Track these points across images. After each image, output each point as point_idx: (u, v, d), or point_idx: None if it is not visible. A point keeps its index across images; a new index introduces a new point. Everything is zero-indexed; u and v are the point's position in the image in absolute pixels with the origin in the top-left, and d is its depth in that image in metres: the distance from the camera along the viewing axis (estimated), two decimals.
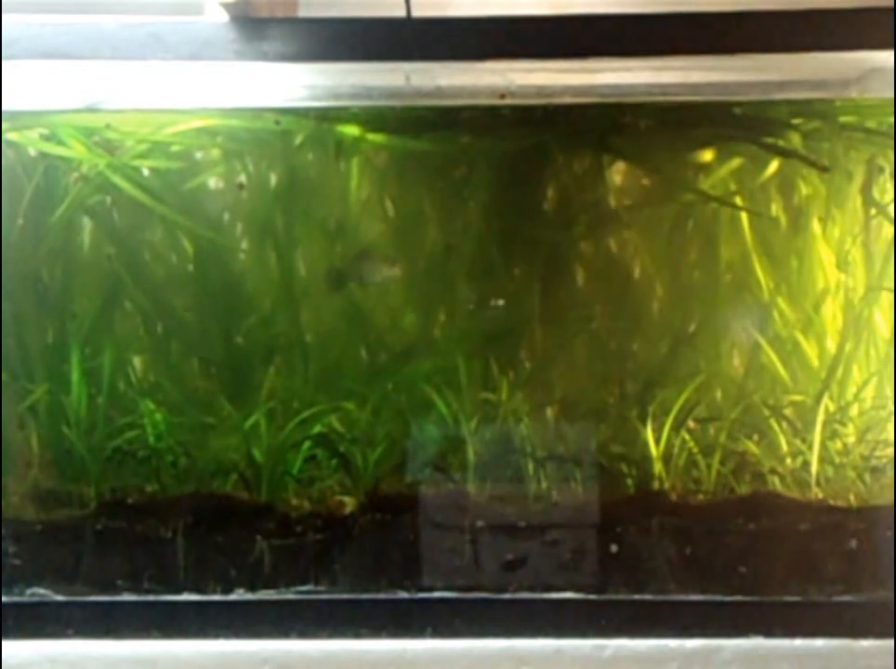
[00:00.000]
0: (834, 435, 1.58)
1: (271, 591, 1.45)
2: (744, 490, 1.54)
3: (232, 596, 1.45)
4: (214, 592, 1.45)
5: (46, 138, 1.58)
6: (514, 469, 1.55)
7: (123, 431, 1.60)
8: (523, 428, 1.59)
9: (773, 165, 1.65)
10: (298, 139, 1.64)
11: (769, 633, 1.38)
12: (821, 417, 1.56)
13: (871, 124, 1.59)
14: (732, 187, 1.69)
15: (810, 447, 1.55)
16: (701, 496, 1.54)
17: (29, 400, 1.60)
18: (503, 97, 1.40)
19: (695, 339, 1.69)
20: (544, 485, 1.54)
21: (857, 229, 1.65)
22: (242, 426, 1.58)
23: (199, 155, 1.69)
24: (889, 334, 1.62)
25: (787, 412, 1.61)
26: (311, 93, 1.44)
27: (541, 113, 1.52)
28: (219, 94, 1.45)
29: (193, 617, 1.42)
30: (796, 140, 1.60)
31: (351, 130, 1.60)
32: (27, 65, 1.40)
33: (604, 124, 1.60)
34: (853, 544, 1.45)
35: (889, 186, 1.64)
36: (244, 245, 1.72)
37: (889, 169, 1.63)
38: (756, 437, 1.59)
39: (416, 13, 1.45)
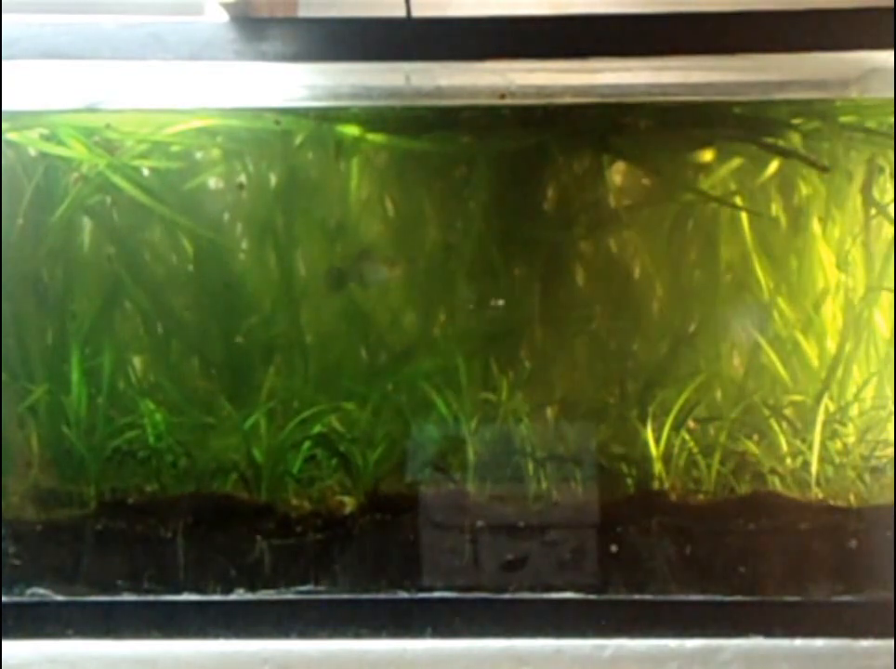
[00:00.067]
0: (834, 435, 1.58)
1: (271, 591, 1.45)
2: (744, 490, 1.54)
3: (232, 596, 1.45)
4: (214, 592, 1.45)
5: (46, 138, 1.58)
6: (514, 469, 1.55)
7: (123, 431, 1.60)
8: (523, 428, 1.59)
9: (773, 165, 1.65)
10: (298, 139, 1.64)
11: (769, 633, 1.38)
12: (821, 417, 1.56)
13: (871, 124, 1.59)
14: (732, 187, 1.69)
15: (810, 447, 1.55)
16: (701, 496, 1.54)
17: (29, 400, 1.60)
18: (503, 97, 1.40)
19: (695, 339, 1.69)
20: (544, 485, 1.54)
21: (857, 229, 1.65)
22: (242, 426, 1.58)
23: (199, 155, 1.69)
24: (889, 334, 1.62)
25: (787, 412, 1.61)
26: (311, 93, 1.44)
27: (541, 113, 1.52)
28: (219, 94, 1.45)
29: (193, 617, 1.42)
30: (796, 140, 1.60)
31: (351, 130, 1.60)
32: (27, 65, 1.40)
33: (604, 124, 1.60)
34: (853, 544, 1.45)
35: (889, 186, 1.64)
36: (244, 245, 1.71)
37: (889, 169, 1.63)
38: (756, 437, 1.59)
39: (416, 13, 1.45)
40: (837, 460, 1.56)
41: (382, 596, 1.45)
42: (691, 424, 1.58)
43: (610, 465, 1.58)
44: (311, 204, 1.68)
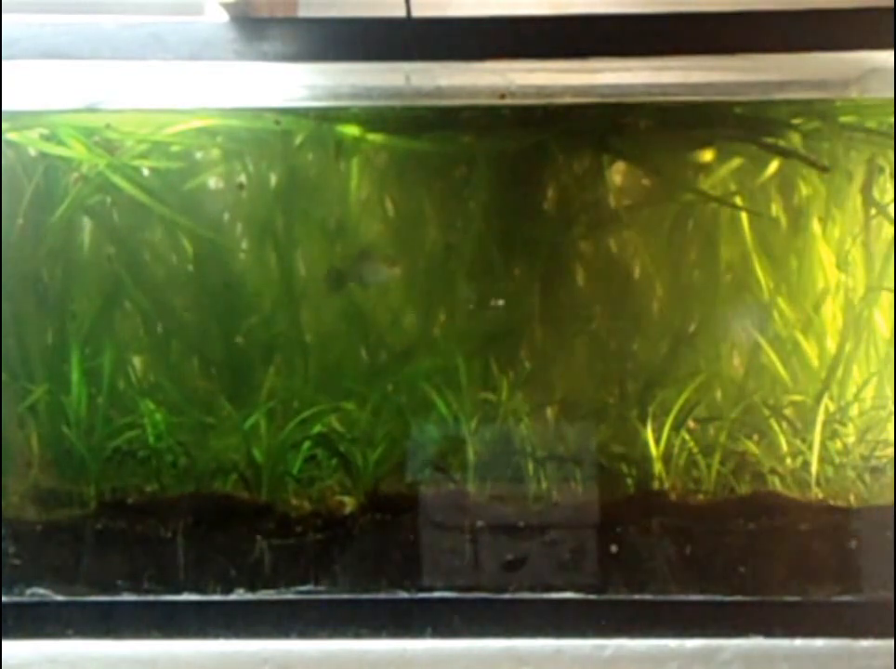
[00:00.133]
0: (834, 435, 1.58)
1: (271, 591, 1.45)
2: (744, 490, 1.54)
3: (232, 596, 1.45)
4: (214, 592, 1.45)
5: (46, 138, 1.58)
6: (514, 469, 1.55)
7: (123, 431, 1.60)
8: (523, 428, 1.59)
9: (773, 165, 1.65)
10: (298, 139, 1.64)
11: (769, 633, 1.38)
12: (821, 417, 1.56)
13: (871, 124, 1.59)
14: (732, 187, 1.69)
15: (810, 447, 1.55)
16: (701, 496, 1.54)
17: (29, 400, 1.60)
18: (503, 97, 1.40)
19: (695, 339, 1.69)
20: (544, 485, 1.54)
21: (857, 229, 1.65)
22: (242, 426, 1.58)
23: (199, 155, 1.69)
24: (889, 334, 1.62)
25: (787, 412, 1.61)
26: (311, 93, 1.44)
27: (541, 113, 1.52)
28: (219, 94, 1.45)
29: (193, 617, 1.42)
30: (796, 140, 1.60)
31: (351, 130, 1.60)
32: (27, 65, 1.40)
33: (604, 124, 1.60)
34: (853, 544, 1.45)
35: (889, 186, 1.64)
36: (244, 245, 1.71)
37: (889, 169, 1.63)
38: (756, 437, 1.59)
39: (416, 13, 1.45)
40: (837, 460, 1.56)
41: (382, 596, 1.45)
42: (691, 424, 1.58)
43: (610, 465, 1.58)
44: (311, 204, 1.68)
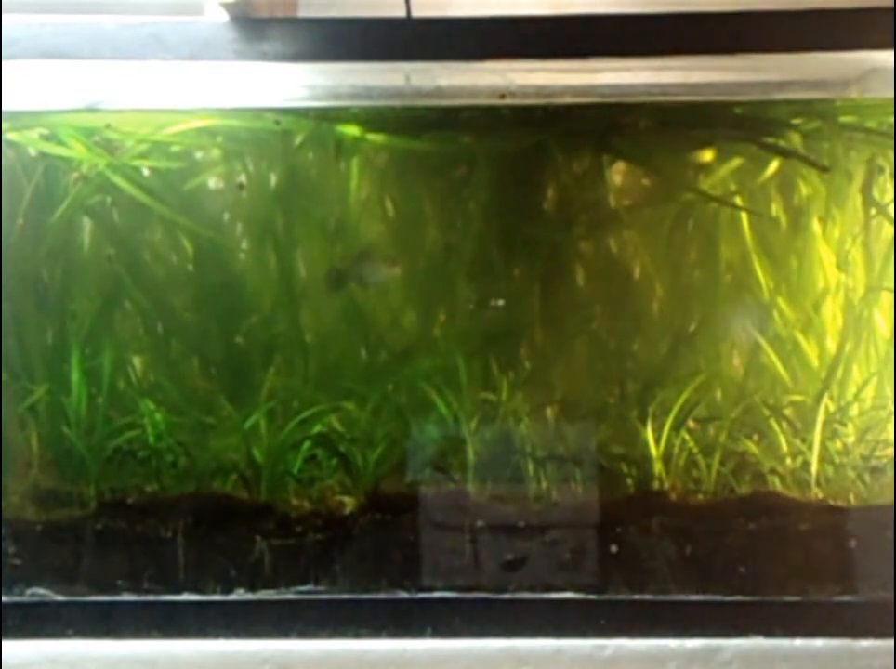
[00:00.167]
0: (834, 435, 1.58)
1: (271, 591, 1.45)
2: (744, 490, 1.54)
3: (232, 596, 1.45)
4: (214, 592, 1.45)
5: (46, 138, 1.58)
6: (514, 469, 1.55)
7: (123, 431, 1.60)
8: (523, 428, 1.59)
9: (773, 165, 1.65)
10: (298, 139, 1.64)
11: (769, 633, 1.38)
12: (821, 417, 1.56)
13: (871, 124, 1.59)
14: (732, 187, 1.69)
15: (810, 447, 1.55)
16: (701, 496, 1.54)
17: (29, 400, 1.60)
18: (503, 97, 1.40)
19: (695, 339, 1.69)
20: (544, 485, 1.54)
21: (857, 229, 1.65)
22: (242, 426, 1.58)
23: (199, 155, 1.69)
24: (889, 334, 1.62)
25: (787, 412, 1.61)
26: (311, 93, 1.44)
27: (541, 113, 1.52)
28: (219, 94, 1.45)
29: (193, 617, 1.42)
30: (796, 140, 1.60)
31: (351, 130, 1.60)
32: (27, 65, 1.40)
33: (604, 124, 1.60)
34: (853, 544, 1.45)
35: (889, 186, 1.64)
36: (244, 245, 1.72)
37: (889, 169, 1.63)
38: (756, 437, 1.59)
39: (416, 13, 1.45)
40: (837, 460, 1.56)
41: (382, 596, 1.45)
42: (691, 424, 1.58)
43: (610, 465, 1.58)
44: (311, 204, 1.68)
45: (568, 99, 1.42)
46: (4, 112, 1.44)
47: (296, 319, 1.69)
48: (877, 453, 1.56)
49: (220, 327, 1.68)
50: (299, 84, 1.44)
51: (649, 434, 1.56)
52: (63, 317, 1.64)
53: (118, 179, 1.59)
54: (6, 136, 1.55)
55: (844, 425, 1.59)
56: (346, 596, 1.44)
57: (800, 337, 1.66)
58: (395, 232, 1.72)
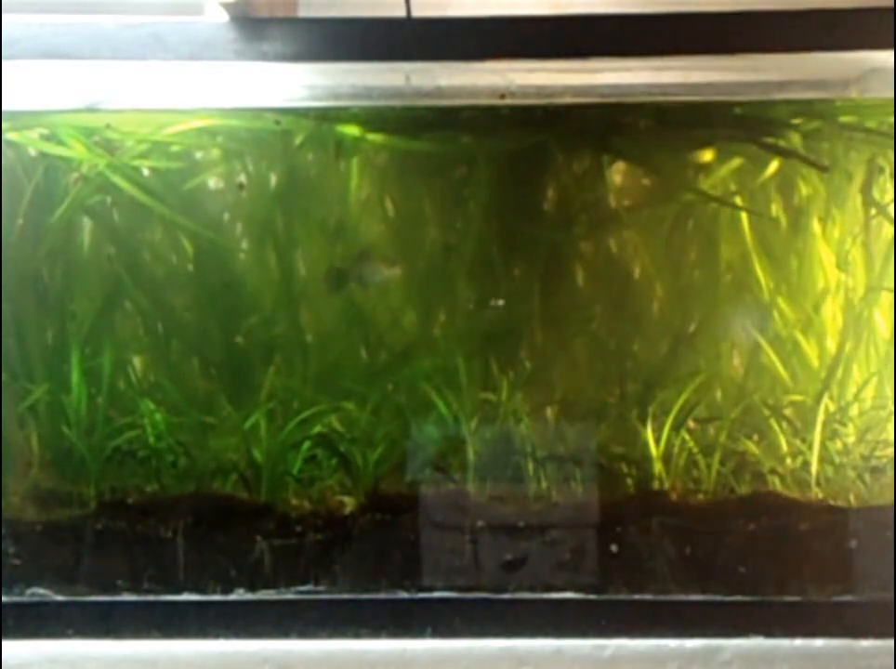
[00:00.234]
0: (834, 435, 1.58)
1: (271, 591, 1.45)
2: (744, 490, 1.54)
3: (232, 597, 1.45)
4: (214, 592, 1.45)
5: (46, 138, 1.58)
6: (514, 469, 1.55)
7: (123, 431, 1.60)
8: (523, 428, 1.59)
9: (773, 165, 1.65)
10: (298, 139, 1.64)
11: (769, 633, 1.38)
12: (821, 417, 1.56)
13: (871, 124, 1.59)
14: (732, 187, 1.69)
15: (810, 447, 1.55)
16: (701, 496, 1.54)
17: (29, 400, 1.60)
18: (503, 97, 1.40)
19: (695, 339, 1.69)
20: (544, 485, 1.54)
21: (857, 229, 1.65)
22: (242, 426, 1.58)
23: (199, 155, 1.69)
24: (889, 334, 1.62)
25: (787, 412, 1.61)
26: (311, 93, 1.44)
27: (541, 113, 1.52)
28: (219, 94, 1.45)
29: (193, 617, 1.42)
30: (796, 140, 1.60)
31: (351, 130, 1.60)
32: (27, 65, 1.40)
33: (604, 124, 1.60)
34: (853, 544, 1.45)
35: (889, 186, 1.64)
36: (244, 245, 1.72)
37: (889, 169, 1.63)
38: (756, 437, 1.59)
39: (416, 13, 1.45)
40: (837, 460, 1.56)
41: (382, 596, 1.45)
42: (691, 424, 1.58)
43: (610, 465, 1.58)
44: (311, 204, 1.68)
45: (568, 99, 1.42)
46: (4, 112, 1.44)
47: (296, 319, 1.69)
48: (877, 453, 1.56)
49: (220, 327, 1.68)
50: (299, 84, 1.44)
51: (649, 434, 1.56)
52: (63, 317, 1.64)
53: (118, 179, 1.59)
54: (6, 136, 1.55)
55: (844, 425, 1.59)
56: (346, 596, 1.44)
57: (800, 337, 1.66)
58: (395, 232, 1.72)
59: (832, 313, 1.66)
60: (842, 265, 1.64)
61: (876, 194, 1.65)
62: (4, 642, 1.38)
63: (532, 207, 1.71)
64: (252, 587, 1.45)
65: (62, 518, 1.51)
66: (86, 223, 1.67)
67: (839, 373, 1.62)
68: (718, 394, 1.66)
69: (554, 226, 1.72)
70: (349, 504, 1.53)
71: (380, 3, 1.50)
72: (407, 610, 1.42)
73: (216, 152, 1.69)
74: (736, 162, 1.66)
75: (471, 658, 1.38)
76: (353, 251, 1.67)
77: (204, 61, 1.39)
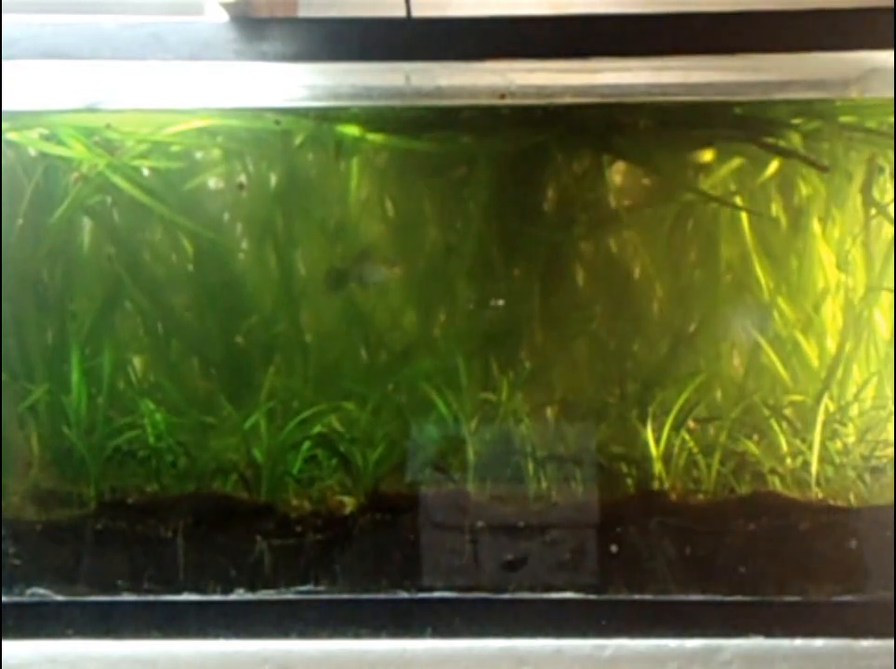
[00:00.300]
0: (834, 435, 1.58)
1: (271, 591, 1.45)
2: (744, 490, 1.54)
3: (232, 597, 1.45)
4: (214, 592, 1.45)
5: (46, 138, 1.58)
6: (514, 469, 1.55)
7: (123, 431, 1.60)
8: (523, 428, 1.59)
9: (773, 165, 1.65)
10: (298, 139, 1.64)
11: (769, 633, 1.38)
12: (821, 417, 1.56)
13: (871, 124, 1.59)
14: (732, 187, 1.69)
15: (810, 447, 1.55)
16: (701, 496, 1.54)
17: (29, 400, 1.60)
18: (503, 97, 1.40)
19: (695, 339, 1.69)
20: (544, 485, 1.54)
21: (857, 229, 1.65)
22: (242, 426, 1.58)
23: (199, 155, 1.69)
24: (889, 334, 1.62)
25: (787, 412, 1.61)
26: (311, 93, 1.44)
27: (541, 113, 1.52)
28: (219, 94, 1.45)
29: (193, 617, 1.42)
30: (796, 140, 1.60)
31: (351, 130, 1.60)
32: (27, 65, 1.40)
33: (604, 124, 1.60)
34: (853, 544, 1.45)
35: (889, 186, 1.64)
36: (244, 245, 1.72)
37: (889, 169, 1.63)
38: (756, 437, 1.59)
39: (416, 13, 1.45)
40: (837, 460, 1.56)
41: (382, 596, 1.45)
42: (691, 424, 1.58)
43: (610, 466, 1.58)
44: (311, 205, 1.68)
45: (568, 99, 1.42)
46: (4, 112, 1.44)
47: (296, 319, 1.69)
48: (877, 453, 1.56)
49: (220, 327, 1.68)
50: (299, 84, 1.44)
51: (649, 434, 1.56)
52: (63, 317, 1.64)
53: (118, 179, 1.59)
54: (6, 136, 1.55)
55: (844, 425, 1.59)
56: (346, 596, 1.44)
57: (800, 337, 1.66)
58: (395, 232, 1.72)
59: (832, 313, 1.66)
60: (842, 265, 1.64)
61: (876, 194, 1.65)
62: (4, 642, 1.38)
63: (532, 207, 1.71)
64: (252, 587, 1.45)
65: (62, 518, 1.51)
66: (86, 223, 1.67)
67: (839, 373, 1.62)
68: (718, 394, 1.66)
69: (554, 226, 1.72)
70: (349, 504, 1.53)
71: (380, 3, 1.50)
72: (407, 610, 1.42)
73: (216, 152, 1.69)
74: (736, 162, 1.66)
75: (471, 658, 1.38)
76: (353, 251, 1.67)
77: (204, 61, 1.39)
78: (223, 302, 1.68)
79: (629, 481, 1.57)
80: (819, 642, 1.36)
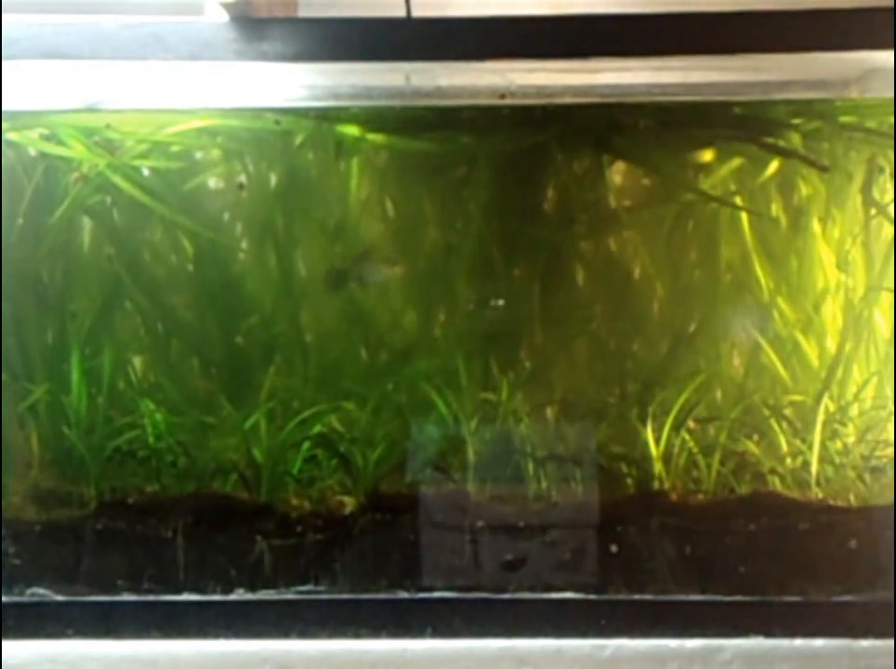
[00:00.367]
0: (834, 435, 1.58)
1: (271, 591, 1.45)
2: (744, 490, 1.54)
3: (232, 597, 1.45)
4: (214, 592, 1.45)
5: (46, 138, 1.58)
6: (514, 469, 1.55)
7: (123, 431, 1.60)
8: (523, 428, 1.59)
9: (773, 165, 1.65)
10: (298, 139, 1.64)
11: (769, 633, 1.38)
12: (821, 417, 1.56)
13: (871, 124, 1.59)
14: (732, 187, 1.69)
15: (810, 447, 1.55)
16: (701, 496, 1.54)
17: (29, 400, 1.60)
18: (503, 97, 1.40)
19: (695, 339, 1.69)
20: (544, 485, 1.54)
21: (857, 229, 1.65)
22: (242, 426, 1.58)
23: (199, 155, 1.69)
24: (889, 334, 1.62)
25: (787, 412, 1.61)
26: (311, 93, 1.44)
27: (541, 113, 1.52)
28: (219, 94, 1.45)
29: (193, 617, 1.42)
30: (796, 140, 1.60)
31: (351, 130, 1.60)
32: (27, 65, 1.40)
33: (604, 124, 1.60)
34: (853, 544, 1.45)
35: (889, 186, 1.64)
36: (244, 245, 1.72)
37: (889, 169, 1.63)
38: (756, 437, 1.59)
39: (416, 13, 1.45)
40: (837, 460, 1.56)
41: (382, 596, 1.45)
42: (691, 424, 1.58)
43: (610, 465, 1.58)
44: (311, 204, 1.68)
45: (568, 99, 1.42)
46: (4, 112, 1.44)
47: (296, 319, 1.69)
48: (877, 453, 1.56)
49: (220, 327, 1.68)
50: (299, 84, 1.44)
51: (649, 434, 1.56)
52: (63, 317, 1.64)
53: (118, 179, 1.59)
54: (6, 136, 1.55)
55: (844, 425, 1.59)
56: (346, 596, 1.44)
57: (800, 337, 1.66)
58: (395, 232, 1.72)
59: (832, 313, 1.66)
60: (842, 265, 1.64)
61: (876, 194, 1.65)
62: (4, 642, 1.38)
63: (532, 207, 1.71)
64: (252, 587, 1.46)
65: (62, 518, 1.51)
66: (86, 223, 1.67)
67: (839, 373, 1.62)
68: (718, 394, 1.66)
69: (554, 226, 1.72)
70: (349, 504, 1.53)
71: (380, 3, 1.50)
72: (407, 610, 1.42)
73: (216, 152, 1.69)
74: (736, 162, 1.66)
75: (471, 658, 1.38)
76: (353, 251, 1.67)
77: (204, 61, 1.39)
78: (223, 302, 1.69)
79: (629, 481, 1.57)
80: (819, 642, 1.36)
